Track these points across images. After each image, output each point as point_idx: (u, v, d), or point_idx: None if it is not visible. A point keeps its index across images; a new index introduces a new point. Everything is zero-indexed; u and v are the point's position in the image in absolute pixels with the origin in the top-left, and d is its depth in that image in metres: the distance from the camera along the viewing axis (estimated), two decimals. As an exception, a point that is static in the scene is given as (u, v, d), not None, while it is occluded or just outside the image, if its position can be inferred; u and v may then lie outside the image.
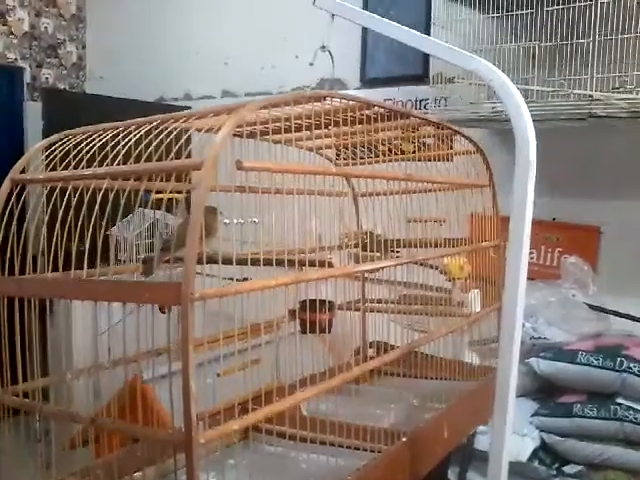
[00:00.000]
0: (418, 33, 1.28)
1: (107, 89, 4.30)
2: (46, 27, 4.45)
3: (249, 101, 0.97)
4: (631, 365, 2.26)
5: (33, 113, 3.90)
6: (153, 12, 4.40)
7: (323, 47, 1.69)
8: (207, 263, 0.91)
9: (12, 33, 4.25)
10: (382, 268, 1.27)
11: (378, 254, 1.32)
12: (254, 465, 1.25)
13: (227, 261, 0.95)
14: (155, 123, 1.05)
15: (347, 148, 1.59)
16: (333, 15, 1.30)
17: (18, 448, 1.19)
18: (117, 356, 1.20)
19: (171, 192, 1.25)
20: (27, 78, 4.32)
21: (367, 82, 3.56)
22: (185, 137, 1.02)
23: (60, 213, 1.10)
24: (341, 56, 3.57)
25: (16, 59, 4.28)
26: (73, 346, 1.32)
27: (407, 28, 1.28)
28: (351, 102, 1.15)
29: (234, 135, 1.00)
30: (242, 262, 0.97)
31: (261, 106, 0.98)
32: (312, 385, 1.09)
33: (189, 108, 4.10)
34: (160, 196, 1.26)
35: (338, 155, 1.71)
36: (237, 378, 1.23)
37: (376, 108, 1.20)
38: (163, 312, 1.05)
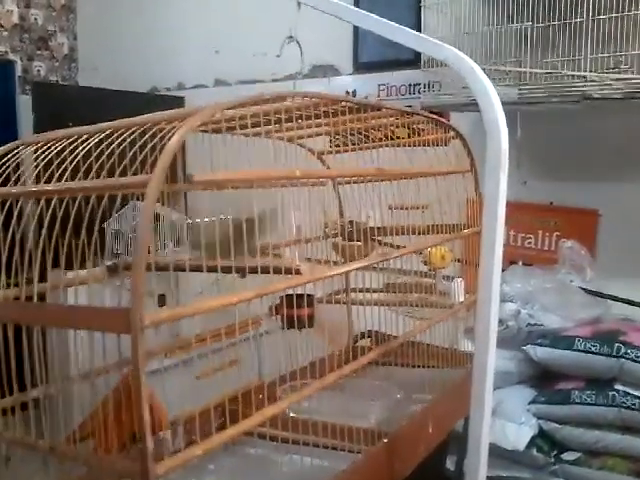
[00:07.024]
0: (387, 21, 1.24)
1: (100, 81, 4.25)
2: (36, 18, 4.39)
3: (204, 107, 0.91)
4: (629, 351, 2.22)
5: (25, 107, 3.86)
6: (144, 1, 4.35)
7: (290, 37, 1.64)
8: (157, 271, 0.87)
9: (1, 25, 4.20)
10: (351, 270, 1.23)
11: (359, 243, 1.29)
12: (235, 469, 1.22)
13: (179, 268, 0.91)
14: (108, 132, 1.01)
15: (332, 136, 1.55)
16: (299, 3, 1.25)
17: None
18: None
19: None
20: (18, 71, 4.27)
21: (360, 67, 3.50)
22: (133, 150, 0.97)
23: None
24: (333, 41, 3.56)
25: (6, 52, 4.23)
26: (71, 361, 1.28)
27: (377, 17, 1.23)
28: (314, 100, 1.10)
29: (201, 132, 0.96)
30: (195, 269, 0.93)
31: (215, 112, 0.92)
32: (293, 390, 1.05)
33: (182, 98, 4.07)
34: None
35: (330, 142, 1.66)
36: (218, 380, 1.20)
37: (343, 103, 1.15)
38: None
